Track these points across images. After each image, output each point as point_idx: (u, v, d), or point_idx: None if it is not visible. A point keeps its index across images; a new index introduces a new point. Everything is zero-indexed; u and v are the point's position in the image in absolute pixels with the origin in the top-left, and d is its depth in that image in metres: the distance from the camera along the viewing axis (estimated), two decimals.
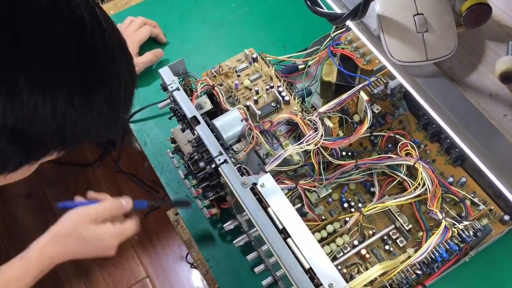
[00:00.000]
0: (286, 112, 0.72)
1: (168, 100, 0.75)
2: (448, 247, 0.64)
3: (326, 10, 0.78)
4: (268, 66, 0.77)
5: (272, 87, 0.75)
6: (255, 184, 0.63)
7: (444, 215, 0.64)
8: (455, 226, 0.62)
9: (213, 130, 0.70)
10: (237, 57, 0.80)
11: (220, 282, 0.76)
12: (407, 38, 0.70)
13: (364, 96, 0.71)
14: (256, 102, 0.74)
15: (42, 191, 1.70)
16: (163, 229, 1.60)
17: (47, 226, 0.69)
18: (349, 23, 0.77)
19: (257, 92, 0.75)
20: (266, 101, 0.75)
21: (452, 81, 0.72)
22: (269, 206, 0.62)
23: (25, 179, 0.45)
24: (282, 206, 0.61)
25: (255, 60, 0.77)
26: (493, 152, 0.64)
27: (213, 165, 0.66)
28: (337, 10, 0.79)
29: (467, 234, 0.63)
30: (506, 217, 0.73)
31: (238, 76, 0.79)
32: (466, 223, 0.63)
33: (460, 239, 0.64)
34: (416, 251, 0.71)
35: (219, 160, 0.65)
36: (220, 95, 0.71)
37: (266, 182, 0.63)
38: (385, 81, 0.73)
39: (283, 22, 1.05)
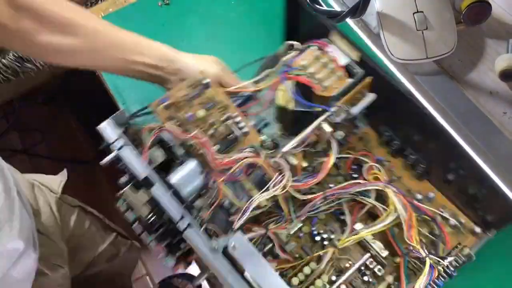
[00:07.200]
0: (248, 151, 0.66)
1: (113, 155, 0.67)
2: (435, 286, 0.62)
3: (325, 8, 0.74)
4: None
5: (229, 118, 0.69)
6: (225, 247, 0.58)
7: (426, 252, 0.62)
8: (440, 263, 0.61)
9: (169, 186, 0.63)
10: (187, 83, 0.72)
11: None
12: (407, 35, 0.69)
13: (327, 127, 0.67)
14: (212, 135, 0.68)
15: None
16: None
17: None
18: (348, 20, 0.74)
19: (213, 124, 0.68)
20: (224, 132, 0.69)
21: (452, 79, 0.71)
22: (245, 271, 0.57)
23: None
24: (259, 268, 0.57)
25: (207, 86, 0.70)
26: (492, 150, 0.64)
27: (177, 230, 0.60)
28: (337, 7, 0.75)
29: (452, 269, 0.61)
30: (477, 229, 0.72)
31: (190, 107, 0.71)
32: (450, 259, 0.61)
33: (446, 274, 0.62)
34: (395, 278, 0.69)
35: (183, 224, 0.59)
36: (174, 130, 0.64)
37: (238, 243, 0.58)
38: (346, 109, 0.69)
39: (283, 19, 1.00)
